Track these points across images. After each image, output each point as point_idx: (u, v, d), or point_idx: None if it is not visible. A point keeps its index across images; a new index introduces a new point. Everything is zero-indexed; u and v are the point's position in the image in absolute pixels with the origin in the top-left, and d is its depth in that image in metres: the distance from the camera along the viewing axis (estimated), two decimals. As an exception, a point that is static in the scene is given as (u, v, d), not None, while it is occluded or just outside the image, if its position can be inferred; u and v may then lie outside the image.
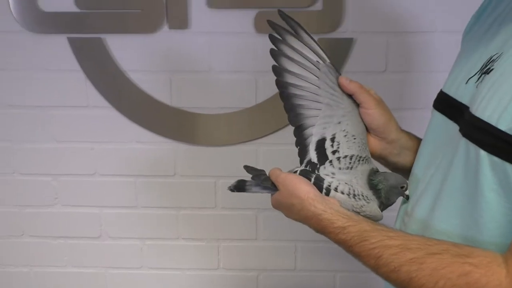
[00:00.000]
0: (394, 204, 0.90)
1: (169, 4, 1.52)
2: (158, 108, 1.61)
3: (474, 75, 0.78)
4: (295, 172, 0.90)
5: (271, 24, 0.90)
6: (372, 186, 0.88)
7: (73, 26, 1.55)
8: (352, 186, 0.87)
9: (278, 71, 0.91)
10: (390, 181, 0.87)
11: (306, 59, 0.91)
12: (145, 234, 1.73)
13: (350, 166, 0.89)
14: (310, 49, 0.91)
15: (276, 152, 1.62)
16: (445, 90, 0.87)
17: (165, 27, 1.54)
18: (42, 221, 1.73)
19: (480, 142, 0.69)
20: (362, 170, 0.89)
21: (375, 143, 0.94)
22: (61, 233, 1.75)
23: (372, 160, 0.93)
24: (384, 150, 0.95)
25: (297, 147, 0.93)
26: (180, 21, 1.53)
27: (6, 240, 1.76)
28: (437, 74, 1.47)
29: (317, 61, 0.91)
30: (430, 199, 0.81)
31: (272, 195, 0.91)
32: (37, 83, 1.60)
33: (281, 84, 0.91)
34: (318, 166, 0.90)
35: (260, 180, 0.92)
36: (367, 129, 0.94)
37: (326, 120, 0.91)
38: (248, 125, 1.61)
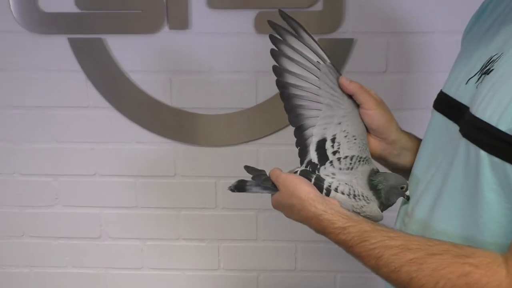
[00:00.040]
0: (394, 205, 0.90)
1: (169, 4, 1.52)
2: (159, 108, 1.61)
3: (474, 75, 0.78)
4: (296, 172, 0.90)
5: (272, 24, 0.90)
6: (372, 186, 0.88)
7: (73, 27, 1.55)
8: (352, 187, 0.87)
9: (278, 71, 0.91)
10: (390, 181, 0.87)
11: (306, 59, 0.91)
12: (146, 235, 1.73)
13: (351, 166, 0.89)
14: (311, 49, 0.91)
15: (276, 153, 1.62)
16: (445, 91, 0.87)
17: (166, 28, 1.54)
18: (43, 221, 1.73)
19: (480, 143, 0.69)
20: (363, 170, 0.89)
21: (375, 144, 0.94)
22: (61, 234, 1.75)
23: (373, 160, 0.93)
24: (384, 150, 0.95)
25: (297, 147, 0.93)
26: (181, 22, 1.53)
27: (7, 241, 1.76)
28: (438, 74, 1.47)
29: (317, 61, 0.91)
30: (430, 199, 0.81)
31: (272, 195, 0.91)
32: (37, 84, 1.61)
33: (282, 85, 0.91)
34: (318, 166, 0.90)
35: (261, 180, 0.92)
36: (367, 130, 0.94)
37: (327, 120, 0.91)
38: (249, 125, 1.61)
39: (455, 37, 1.01)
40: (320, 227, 0.83)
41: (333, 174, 0.89)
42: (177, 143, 1.64)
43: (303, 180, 0.87)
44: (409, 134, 0.98)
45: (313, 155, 0.91)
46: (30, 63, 1.59)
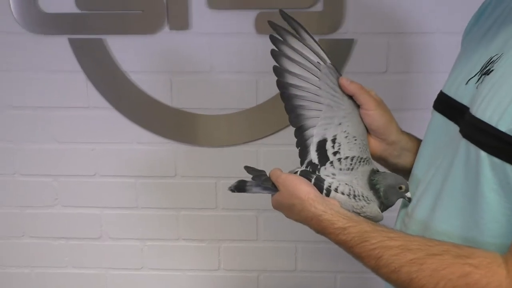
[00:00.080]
0: (394, 205, 0.90)
1: (169, 5, 1.52)
2: (159, 108, 1.61)
3: (474, 76, 0.78)
4: (296, 172, 0.90)
5: (272, 25, 0.90)
6: (372, 186, 0.88)
7: (73, 27, 1.55)
8: (352, 187, 0.87)
9: (279, 71, 0.91)
10: (387, 180, 0.87)
11: (306, 60, 0.91)
12: (146, 235, 1.73)
13: (351, 167, 0.89)
14: (311, 50, 0.91)
15: (276, 153, 1.62)
16: (445, 91, 0.87)
17: (166, 28, 1.54)
18: (43, 222, 1.73)
19: (480, 143, 0.69)
20: (363, 171, 0.89)
21: (375, 144, 0.94)
22: (61, 234, 1.75)
23: (373, 161, 0.93)
24: (384, 151, 0.95)
25: (297, 148, 0.93)
26: (181, 22, 1.53)
27: (7, 241, 1.76)
28: (438, 75, 1.47)
29: (317, 62, 0.91)
30: (431, 200, 0.81)
31: (272, 195, 0.91)
32: (37, 84, 1.61)
33: (282, 85, 0.91)
34: (318, 167, 0.90)
35: (261, 180, 0.92)
36: (367, 130, 0.94)
37: (327, 121, 0.91)
38: (249, 125, 1.61)
39: (455, 38, 1.01)
40: (320, 228, 0.83)
41: (333, 174, 0.89)
42: (177, 143, 1.64)
43: (303, 180, 0.87)
44: (409, 135, 0.98)
45: (313, 156, 0.91)
46: (31, 64, 1.59)
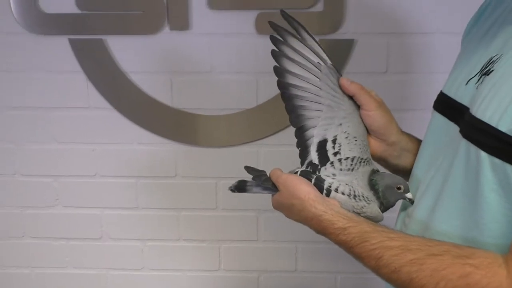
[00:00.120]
0: (395, 205, 0.90)
1: (170, 5, 1.52)
2: (159, 109, 1.61)
3: (474, 76, 0.78)
4: (296, 173, 0.90)
5: (273, 25, 0.90)
6: (372, 187, 0.88)
7: (74, 27, 1.55)
8: (352, 187, 0.87)
9: (279, 72, 0.91)
10: (386, 180, 0.87)
11: (307, 60, 0.90)
12: (146, 235, 1.73)
13: (351, 167, 0.89)
14: (312, 50, 0.91)
15: (277, 153, 1.62)
16: (445, 91, 0.86)
17: (166, 28, 1.55)
18: (43, 222, 1.73)
19: (480, 143, 0.69)
20: (363, 171, 0.89)
21: (376, 145, 0.94)
22: (62, 234, 1.75)
23: (373, 161, 0.93)
24: (385, 152, 0.95)
25: (298, 148, 0.93)
26: (181, 22, 1.54)
27: (7, 241, 1.76)
28: (438, 75, 1.47)
29: (318, 62, 0.91)
30: (431, 200, 0.81)
31: (272, 195, 0.91)
32: (38, 84, 1.61)
33: (283, 85, 0.91)
34: (319, 167, 0.90)
35: (261, 180, 0.92)
36: (368, 131, 0.93)
37: (328, 121, 0.91)
38: (249, 126, 1.61)
39: (455, 38, 1.01)
40: (320, 228, 0.83)
41: (334, 174, 0.89)
42: (177, 143, 1.64)
43: (303, 180, 0.87)
44: (409, 135, 0.98)
45: (314, 156, 0.91)
46: (31, 64, 1.59)
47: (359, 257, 0.77)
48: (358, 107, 0.92)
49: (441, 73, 1.17)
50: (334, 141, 0.91)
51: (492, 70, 0.73)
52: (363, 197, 0.86)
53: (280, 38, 0.90)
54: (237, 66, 1.56)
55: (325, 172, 0.89)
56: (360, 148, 0.91)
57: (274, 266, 1.74)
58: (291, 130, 0.94)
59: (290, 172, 0.91)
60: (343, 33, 1.52)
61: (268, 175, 0.92)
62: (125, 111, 1.62)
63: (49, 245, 1.75)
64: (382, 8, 1.51)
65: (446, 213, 0.77)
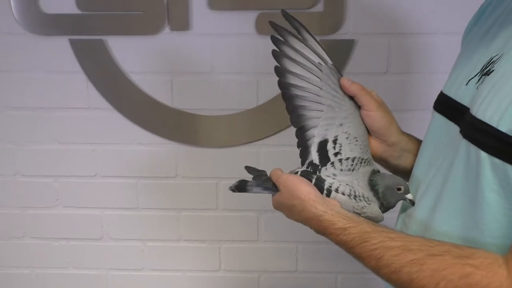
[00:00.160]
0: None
1: (170, 5, 1.52)
2: (159, 109, 1.61)
3: (474, 76, 0.78)
4: (296, 173, 0.90)
5: (273, 25, 0.90)
6: (372, 187, 0.88)
7: (74, 28, 1.55)
8: (353, 188, 0.87)
9: (280, 72, 0.91)
10: (386, 181, 0.87)
11: (308, 60, 0.90)
12: (146, 236, 1.73)
13: (352, 168, 0.89)
14: (312, 50, 0.91)
15: (277, 154, 1.62)
16: (446, 92, 0.86)
17: (167, 29, 1.55)
18: (43, 222, 1.73)
19: (480, 144, 0.69)
20: (364, 171, 0.89)
21: (376, 146, 0.94)
22: (62, 235, 1.75)
23: (374, 162, 0.93)
24: (385, 152, 0.95)
25: (298, 148, 0.93)
26: (182, 23, 1.54)
27: (8, 242, 1.76)
28: (438, 75, 1.47)
29: (319, 62, 0.91)
30: (431, 200, 0.81)
31: (273, 195, 0.91)
32: (38, 84, 1.61)
33: (283, 85, 0.91)
34: (319, 167, 0.90)
35: (261, 180, 0.92)
36: (368, 131, 0.93)
37: (328, 121, 0.91)
38: (249, 126, 1.61)
39: (456, 38, 1.01)
40: (320, 228, 0.83)
41: (334, 175, 0.89)
42: (178, 144, 1.64)
43: (303, 180, 0.87)
44: (409, 136, 0.98)
45: (314, 156, 0.91)
46: (31, 64, 1.59)
47: (360, 257, 0.77)
48: (358, 107, 0.92)
49: (441, 73, 1.17)
50: (334, 141, 0.91)
51: (493, 70, 0.73)
52: (363, 197, 0.86)
53: (281, 38, 0.90)
54: (238, 66, 1.56)
55: (326, 172, 0.89)
56: (361, 149, 0.91)
57: (275, 266, 1.74)
58: (292, 130, 0.94)
59: (291, 172, 0.91)
60: (343, 34, 1.52)
61: (268, 175, 0.92)
62: (126, 111, 1.62)
63: (49, 246, 1.76)
64: (382, 8, 1.51)
65: (446, 213, 0.77)
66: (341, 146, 0.90)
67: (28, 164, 1.68)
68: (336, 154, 0.90)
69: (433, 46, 1.52)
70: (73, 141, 1.65)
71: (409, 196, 0.87)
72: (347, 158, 0.89)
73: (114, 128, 1.63)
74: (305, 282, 1.75)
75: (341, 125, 0.91)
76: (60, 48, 1.57)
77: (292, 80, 0.91)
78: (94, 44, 1.56)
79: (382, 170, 0.95)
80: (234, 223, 1.71)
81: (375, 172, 0.90)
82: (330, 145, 0.91)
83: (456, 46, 0.97)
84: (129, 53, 1.57)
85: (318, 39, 0.92)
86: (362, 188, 0.87)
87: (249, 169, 0.94)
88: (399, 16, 1.51)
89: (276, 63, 0.91)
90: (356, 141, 0.91)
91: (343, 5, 1.50)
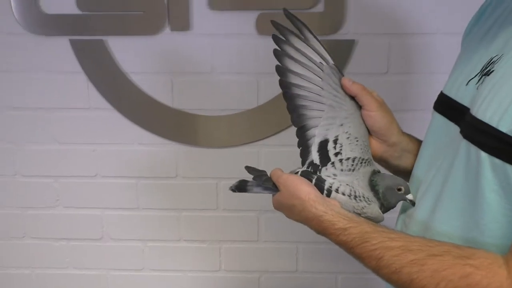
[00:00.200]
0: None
1: (170, 6, 1.52)
2: (160, 109, 1.61)
3: (474, 76, 0.78)
4: (297, 173, 0.90)
5: (275, 24, 0.90)
6: (373, 187, 0.88)
7: (75, 28, 1.55)
8: (353, 188, 0.87)
9: (281, 71, 0.91)
10: (386, 181, 0.87)
11: (309, 60, 0.90)
12: (147, 236, 1.73)
13: (352, 168, 0.89)
14: (314, 50, 0.90)
15: (277, 154, 1.62)
16: (446, 92, 0.86)
17: (167, 29, 1.55)
18: (44, 222, 1.73)
19: (481, 144, 0.69)
20: (364, 172, 0.89)
21: (376, 146, 0.94)
22: (62, 235, 1.75)
23: (374, 162, 0.93)
24: (385, 153, 0.95)
25: (299, 148, 0.93)
26: (182, 23, 1.54)
27: (8, 242, 1.76)
28: (438, 75, 1.47)
29: (320, 62, 0.91)
30: (431, 200, 0.81)
31: (273, 195, 0.91)
32: (38, 85, 1.61)
33: (285, 85, 0.91)
34: (320, 167, 0.90)
35: (262, 180, 0.92)
36: (369, 131, 0.93)
37: (329, 121, 0.91)
38: (250, 126, 1.61)
39: (456, 38, 1.01)
40: (320, 228, 0.83)
41: (335, 175, 0.89)
42: (178, 144, 1.64)
43: (303, 180, 0.87)
44: (410, 136, 0.98)
45: (315, 156, 0.91)
46: (32, 64, 1.59)
47: (360, 257, 0.77)
48: (359, 107, 0.92)
49: (441, 73, 1.17)
50: (335, 142, 0.91)
51: (493, 71, 0.73)
52: (363, 197, 0.86)
53: (283, 37, 0.90)
54: (238, 66, 1.56)
55: (326, 173, 0.89)
56: (361, 149, 0.91)
57: (275, 266, 1.74)
58: (292, 130, 0.94)
59: (291, 172, 0.91)
60: (343, 34, 1.52)
61: (268, 175, 0.92)
62: (126, 111, 1.62)
63: (49, 246, 1.76)
64: (382, 8, 1.51)
65: (447, 213, 0.77)
66: (341, 146, 0.90)
67: (28, 164, 1.68)
68: (336, 154, 0.90)
69: (433, 46, 1.52)
70: (73, 141, 1.65)
71: (409, 196, 0.87)
72: (348, 158, 0.89)
73: (114, 128, 1.63)
74: (305, 282, 1.75)
75: (341, 125, 0.91)
76: (60, 48, 1.57)
77: (294, 79, 0.91)
78: (95, 44, 1.56)
79: (383, 170, 0.95)
80: (235, 223, 1.71)
81: (375, 173, 0.90)
82: (330, 145, 0.90)
83: (456, 46, 0.97)
84: (130, 53, 1.57)
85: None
86: (362, 189, 0.87)
87: (249, 169, 0.94)
88: (399, 16, 1.51)
89: (277, 62, 0.91)
90: (357, 141, 0.91)
91: (343, 5, 1.50)
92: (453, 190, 0.75)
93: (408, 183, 0.89)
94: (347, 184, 0.87)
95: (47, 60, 1.59)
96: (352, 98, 0.92)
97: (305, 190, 0.85)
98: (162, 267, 1.76)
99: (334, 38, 1.52)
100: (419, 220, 0.83)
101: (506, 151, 0.66)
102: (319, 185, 0.87)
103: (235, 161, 1.63)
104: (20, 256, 1.77)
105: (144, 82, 1.60)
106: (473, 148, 0.71)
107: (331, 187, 0.87)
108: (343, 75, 0.92)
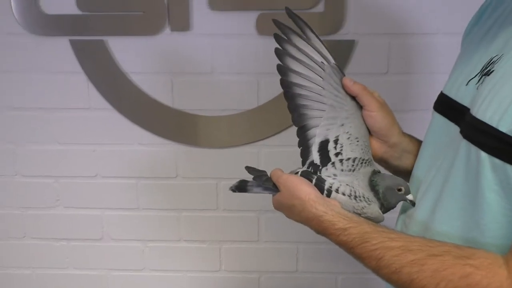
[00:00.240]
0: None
1: (170, 6, 1.52)
2: (160, 110, 1.61)
3: (474, 76, 0.78)
4: (297, 173, 0.90)
5: (277, 23, 0.90)
6: (373, 187, 0.87)
7: (75, 28, 1.55)
8: (353, 188, 0.87)
9: (283, 70, 0.91)
10: (386, 181, 0.87)
11: (311, 59, 0.90)
12: (147, 236, 1.73)
13: (353, 168, 0.89)
14: (315, 49, 0.90)
15: (277, 154, 1.62)
16: (446, 92, 0.86)
17: (167, 29, 1.55)
18: (44, 223, 1.73)
19: (481, 144, 0.69)
20: (364, 172, 0.89)
21: (377, 146, 0.94)
22: (63, 235, 1.75)
23: (374, 162, 0.93)
24: (386, 153, 0.95)
25: (299, 147, 0.93)
26: (182, 23, 1.54)
27: (8, 242, 1.76)
28: (439, 75, 1.47)
29: (322, 62, 0.90)
30: (431, 201, 0.81)
31: (273, 196, 0.91)
32: (38, 85, 1.61)
33: (286, 84, 0.91)
34: (320, 167, 0.90)
35: (262, 181, 0.92)
36: (369, 132, 0.93)
37: (330, 121, 0.91)
38: (250, 127, 1.61)
39: (456, 39, 1.01)
40: (320, 228, 0.83)
41: (335, 175, 0.89)
42: (178, 144, 1.64)
43: (303, 181, 0.87)
44: (410, 137, 0.98)
45: (315, 156, 0.91)
46: (32, 65, 1.59)
47: (360, 257, 0.77)
48: (360, 107, 0.92)
49: (441, 73, 1.17)
50: (336, 142, 0.91)
51: (493, 71, 0.73)
52: (363, 197, 0.86)
53: (284, 37, 0.90)
54: (238, 67, 1.56)
55: (326, 173, 0.89)
56: (362, 149, 0.91)
57: (275, 266, 1.74)
58: (292, 131, 0.94)
59: (291, 172, 0.91)
60: (344, 34, 1.52)
61: (268, 175, 0.92)
62: (126, 112, 1.62)
63: (50, 246, 1.76)
64: (382, 8, 1.51)
65: (447, 213, 0.77)
66: (342, 147, 0.90)
67: (28, 165, 1.68)
68: (337, 155, 0.90)
69: (434, 46, 1.52)
70: (73, 141, 1.65)
71: (409, 197, 0.87)
72: (348, 159, 0.89)
73: (114, 128, 1.64)
74: (305, 283, 1.75)
75: (342, 125, 0.91)
76: (60, 49, 1.57)
77: (295, 79, 0.91)
78: (95, 44, 1.56)
79: (383, 170, 0.95)
80: (235, 223, 1.71)
81: (375, 173, 0.90)
82: (331, 145, 0.90)
83: (456, 46, 0.97)
84: (130, 53, 1.57)
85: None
86: (362, 189, 0.87)
87: (249, 169, 0.94)
88: (400, 16, 1.51)
89: (277, 62, 0.90)
90: (357, 141, 0.91)
91: (343, 5, 1.50)
92: (453, 190, 0.75)
93: (408, 184, 0.89)
94: (347, 184, 0.87)
95: (47, 60, 1.59)
96: (353, 98, 0.91)
97: (305, 190, 0.85)
98: (162, 267, 1.76)
99: (334, 38, 1.52)
100: (419, 220, 0.83)
101: (506, 151, 0.66)
102: (319, 185, 0.87)
103: (235, 161, 1.63)
104: (20, 256, 1.77)
105: (144, 82, 1.60)
106: (473, 148, 0.71)
107: (331, 187, 0.87)
108: (344, 75, 0.92)
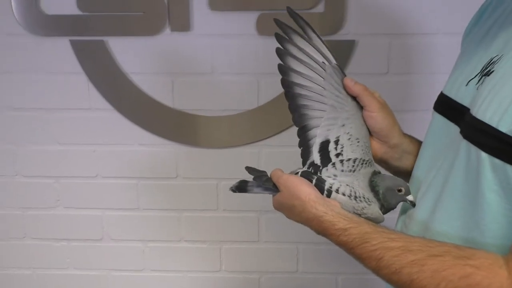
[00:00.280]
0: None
1: (171, 6, 1.52)
2: (160, 110, 1.61)
3: (474, 77, 0.78)
4: (297, 173, 0.90)
5: (278, 23, 0.89)
6: (373, 188, 0.87)
7: (75, 29, 1.56)
8: (353, 188, 0.87)
9: (283, 70, 0.90)
10: (386, 182, 0.87)
11: (312, 59, 0.90)
12: (147, 236, 1.73)
13: (353, 169, 0.89)
14: (317, 49, 0.90)
15: (278, 154, 1.62)
16: (446, 92, 0.86)
17: (167, 30, 1.55)
18: (44, 223, 1.73)
19: (481, 144, 0.69)
20: (364, 173, 0.89)
21: (377, 147, 0.94)
22: (63, 235, 1.75)
23: (375, 163, 0.93)
24: (386, 154, 0.95)
25: (300, 148, 0.93)
26: (182, 24, 1.54)
27: (8, 242, 1.76)
28: (439, 76, 1.46)
29: (323, 62, 0.90)
30: (431, 201, 0.81)
31: (273, 196, 0.91)
32: (39, 85, 1.61)
33: (287, 84, 0.91)
34: (320, 168, 0.90)
35: (262, 181, 0.92)
36: (370, 132, 0.93)
37: (331, 122, 0.91)
38: (250, 127, 1.61)
39: (456, 39, 1.01)
40: (321, 229, 0.83)
41: (335, 175, 0.89)
42: (178, 144, 1.64)
43: (304, 181, 0.87)
44: (411, 137, 0.98)
45: (315, 157, 0.91)
46: (32, 65, 1.59)
47: (360, 258, 0.77)
48: (361, 108, 0.92)
49: (442, 73, 1.17)
50: (336, 142, 0.90)
51: (493, 71, 0.72)
52: (363, 198, 0.86)
53: (285, 36, 0.90)
54: (238, 67, 1.56)
55: (326, 173, 0.89)
56: (362, 150, 0.90)
57: (275, 267, 1.74)
58: (292, 131, 0.94)
59: (291, 173, 0.91)
60: (344, 34, 1.52)
61: (269, 175, 0.92)
62: (126, 112, 1.62)
63: (50, 246, 1.76)
64: (382, 9, 1.51)
65: (447, 214, 0.77)
66: (342, 147, 0.90)
67: (28, 165, 1.68)
68: (337, 155, 0.90)
69: (434, 46, 1.52)
70: (73, 141, 1.65)
71: (409, 197, 0.87)
72: (349, 159, 0.89)
73: (114, 128, 1.64)
74: (305, 283, 1.75)
75: (343, 125, 0.91)
76: (60, 49, 1.57)
77: (296, 78, 0.90)
78: (95, 45, 1.57)
79: (383, 171, 0.95)
80: (235, 223, 1.71)
81: (376, 173, 0.90)
82: (331, 146, 0.90)
83: (456, 46, 0.97)
84: (130, 53, 1.57)
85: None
86: (362, 189, 0.87)
87: (249, 169, 0.94)
88: (400, 16, 1.51)
89: (278, 62, 0.90)
90: (358, 142, 0.91)
91: (343, 5, 1.50)
92: (453, 190, 0.75)
93: (408, 184, 0.89)
94: (347, 185, 0.87)
95: (48, 61, 1.59)
96: (354, 98, 0.91)
97: (305, 190, 0.85)
98: (162, 268, 1.76)
99: (335, 39, 1.52)
100: (419, 220, 0.83)
101: (506, 151, 0.66)
102: (319, 185, 0.87)
103: (235, 161, 1.63)
104: (20, 257, 1.77)
105: (144, 83, 1.60)
106: (473, 149, 0.71)
107: (331, 187, 0.87)
108: (345, 75, 0.91)
